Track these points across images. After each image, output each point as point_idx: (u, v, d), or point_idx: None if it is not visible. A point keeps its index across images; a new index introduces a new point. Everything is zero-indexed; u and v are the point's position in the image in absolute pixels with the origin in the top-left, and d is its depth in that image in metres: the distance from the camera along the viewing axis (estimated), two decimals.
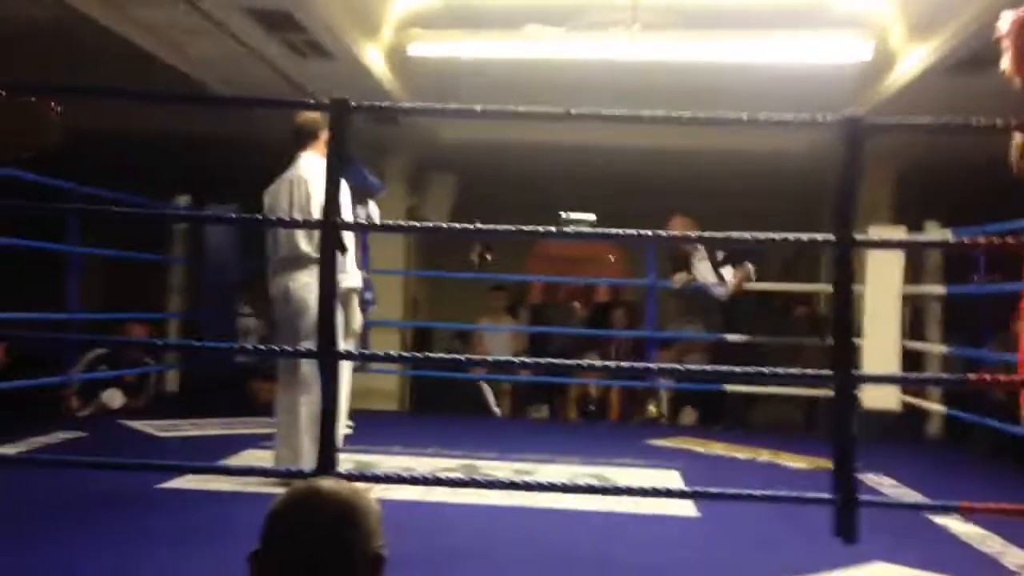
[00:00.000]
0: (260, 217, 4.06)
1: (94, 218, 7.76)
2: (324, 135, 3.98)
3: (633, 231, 2.74)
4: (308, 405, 3.90)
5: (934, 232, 6.84)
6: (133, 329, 6.87)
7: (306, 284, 3.98)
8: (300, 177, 4.14)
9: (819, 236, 2.63)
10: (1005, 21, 2.82)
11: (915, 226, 6.88)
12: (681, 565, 3.26)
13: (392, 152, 7.56)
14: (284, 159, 4.40)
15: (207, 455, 4.66)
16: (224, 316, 6.59)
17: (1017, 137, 2.74)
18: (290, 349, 3.74)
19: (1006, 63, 2.88)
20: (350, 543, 1.32)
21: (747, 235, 2.50)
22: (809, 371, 3.03)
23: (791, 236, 2.55)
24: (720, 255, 6.93)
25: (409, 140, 7.56)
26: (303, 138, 4.26)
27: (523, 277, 10.21)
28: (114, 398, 6.48)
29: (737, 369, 2.70)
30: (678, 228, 6.65)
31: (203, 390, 7.11)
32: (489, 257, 11.92)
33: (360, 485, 1.38)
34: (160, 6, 4.75)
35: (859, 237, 2.59)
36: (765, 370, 2.64)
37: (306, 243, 4.06)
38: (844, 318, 2.60)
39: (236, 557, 3.18)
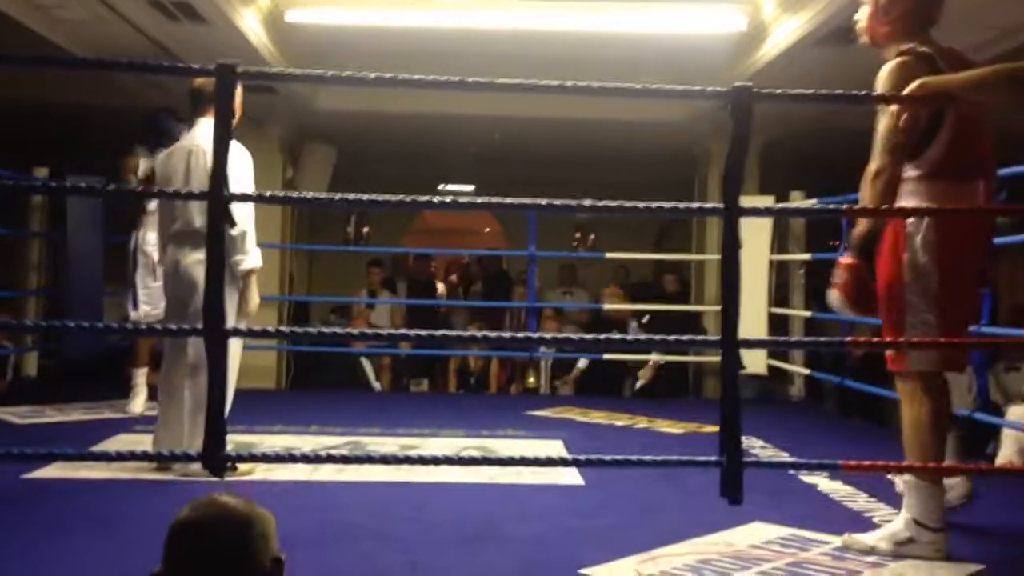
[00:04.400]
0: (156, 189, 3.82)
1: None
2: None
3: (515, 200, 2.71)
4: (193, 388, 3.72)
5: (798, 202, 7.13)
6: None
7: (199, 260, 3.70)
8: (198, 146, 3.90)
9: (708, 204, 2.67)
10: None
11: (781, 196, 7.15)
12: (568, 533, 3.29)
13: (267, 122, 7.33)
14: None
15: (77, 442, 4.43)
16: (89, 294, 6.25)
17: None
18: (174, 328, 3.57)
19: (862, 16, 3.04)
20: (252, 555, 1.39)
21: (640, 205, 2.51)
22: (699, 337, 3.09)
23: (681, 205, 2.58)
24: None
25: (285, 110, 7.34)
26: (200, 104, 3.98)
27: (401, 250, 10.16)
28: None
29: (629, 337, 2.73)
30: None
31: (67, 374, 6.77)
32: (365, 231, 11.83)
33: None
34: None
35: (745, 206, 2.63)
36: (656, 337, 2.67)
37: (201, 218, 3.76)
38: (732, 285, 2.64)
39: (116, 547, 3.04)
